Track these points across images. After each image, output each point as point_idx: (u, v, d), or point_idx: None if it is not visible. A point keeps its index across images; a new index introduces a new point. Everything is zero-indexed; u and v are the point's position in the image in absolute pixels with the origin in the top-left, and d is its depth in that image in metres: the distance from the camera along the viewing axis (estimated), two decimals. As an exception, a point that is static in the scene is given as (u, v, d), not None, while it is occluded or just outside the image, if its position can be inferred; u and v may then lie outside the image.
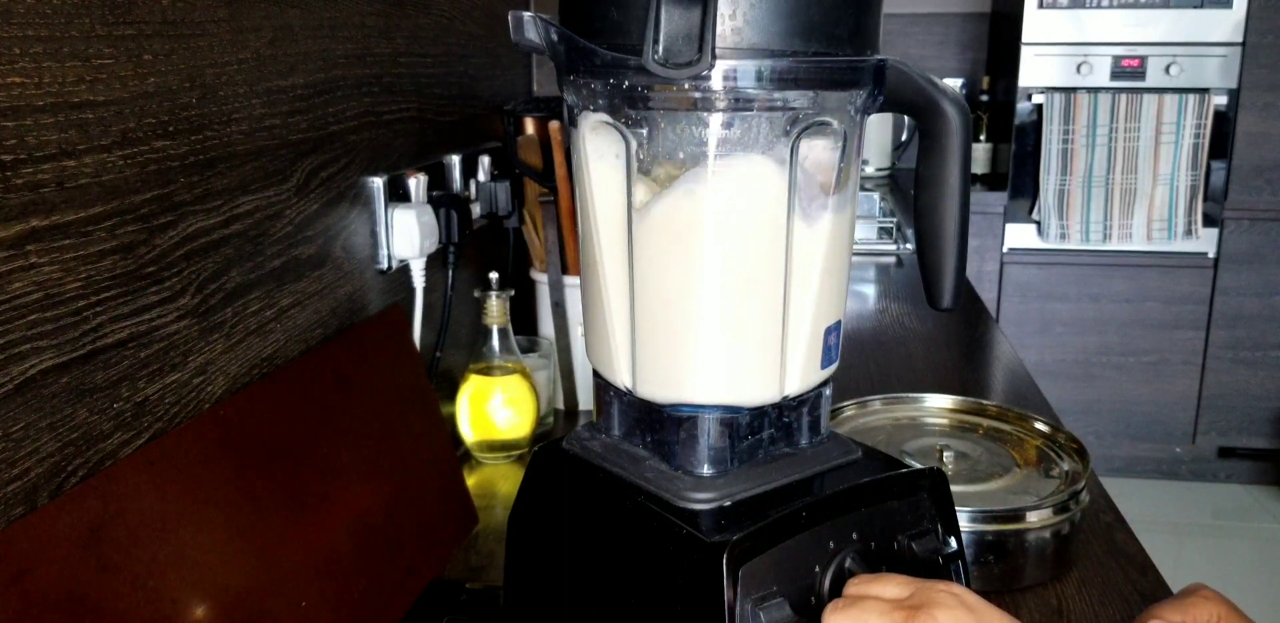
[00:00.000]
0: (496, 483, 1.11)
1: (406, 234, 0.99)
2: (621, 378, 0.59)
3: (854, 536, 0.57)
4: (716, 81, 0.51)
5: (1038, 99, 2.79)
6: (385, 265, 1.00)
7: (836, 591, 0.55)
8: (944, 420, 1.05)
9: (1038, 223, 2.83)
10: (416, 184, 1.04)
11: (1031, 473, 0.93)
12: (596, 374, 0.62)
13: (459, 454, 1.12)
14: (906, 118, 0.59)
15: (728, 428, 0.57)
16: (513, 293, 1.14)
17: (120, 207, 0.61)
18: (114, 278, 0.60)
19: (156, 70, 0.64)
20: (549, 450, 0.64)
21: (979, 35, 3.27)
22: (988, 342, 1.67)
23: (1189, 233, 2.76)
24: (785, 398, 0.59)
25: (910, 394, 1.08)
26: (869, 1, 0.54)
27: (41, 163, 0.54)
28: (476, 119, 1.30)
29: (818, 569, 0.55)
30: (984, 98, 3.11)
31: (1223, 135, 2.73)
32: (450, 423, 1.15)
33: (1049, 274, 2.87)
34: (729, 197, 0.53)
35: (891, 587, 0.53)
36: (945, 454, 0.95)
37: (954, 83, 3.18)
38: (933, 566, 0.59)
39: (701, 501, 0.56)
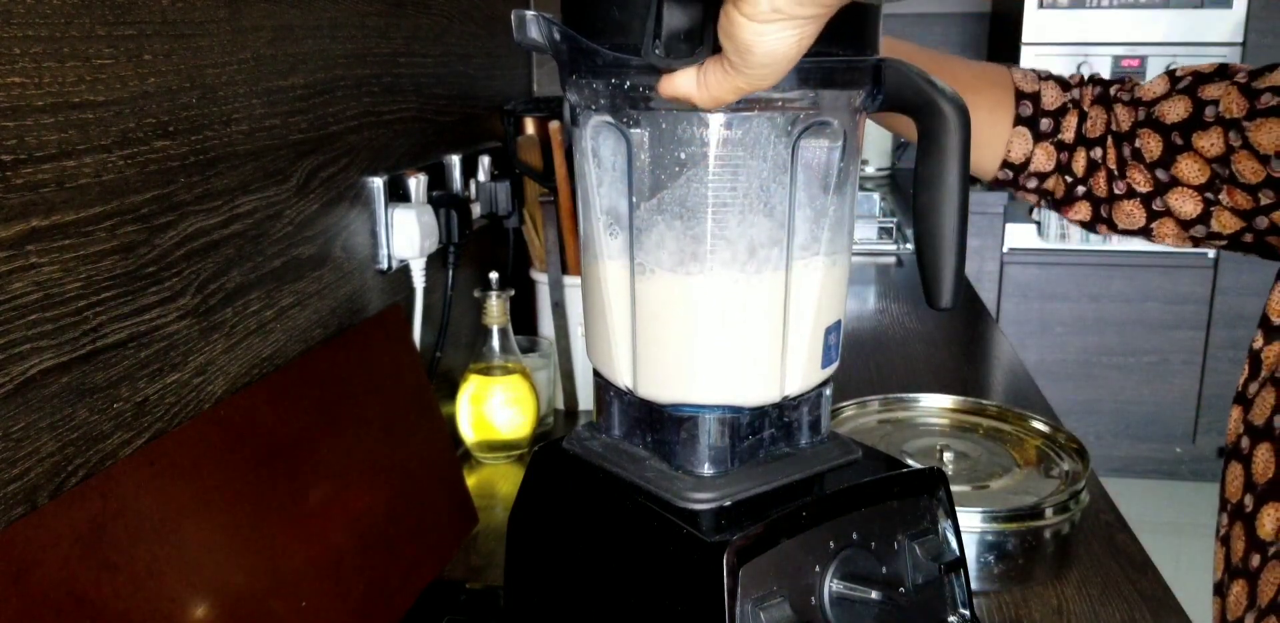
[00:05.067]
0: (496, 483, 1.11)
1: (406, 234, 0.99)
2: (622, 378, 0.59)
3: (854, 536, 0.57)
4: (717, 81, 0.51)
5: (1038, 99, 2.79)
6: (385, 265, 1.00)
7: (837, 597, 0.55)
8: (944, 420, 1.05)
9: (1038, 223, 2.83)
10: (416, 184, 1.04)
11: (1031, 473, 0.93)
12: (597, 374, 0.62)
13: (459, 454, 1.12)
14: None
15: (728, 428, 0.57)
16: (513, 293, 1.14)
17: (120, 207, 0.61)
18: (114, 278, 0.60)
19: (156, 70, 0.64)
20: (549, 450, 0.64)
21: (979, 35, 3.27)
22: (988, 342, 1.67)
23: (1189, 233, 2.76)
24: (785, 398, 0.59)
25: (910, 394, 1.09)
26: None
27: (41, 163, 0.54)
28: (476, 119, 1.30)
29: (818, 569, 0.55)
30: (984, 98, 3.11)
31: (1223, 135, 2.73)
32: (450, 423, 1.15)
33: (1049, 274, 2.88)
34: (729, 196, 0.54)
35: None
36: (945, 454, 0.95)
37: (954, 83, 3.18)
38: (933, 566, 0.60)
39: (701, 501, 0.56)
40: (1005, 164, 0.87)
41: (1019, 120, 0.86)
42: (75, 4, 0.56)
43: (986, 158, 0.88)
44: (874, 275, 2.08)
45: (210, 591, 0.62)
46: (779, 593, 0.53)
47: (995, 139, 0.87)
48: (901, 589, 0.58)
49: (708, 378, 0.57)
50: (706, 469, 0.57)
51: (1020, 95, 0.86)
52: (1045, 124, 0.86)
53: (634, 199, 0.55)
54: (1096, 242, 2.78)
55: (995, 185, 0.91)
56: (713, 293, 0.55)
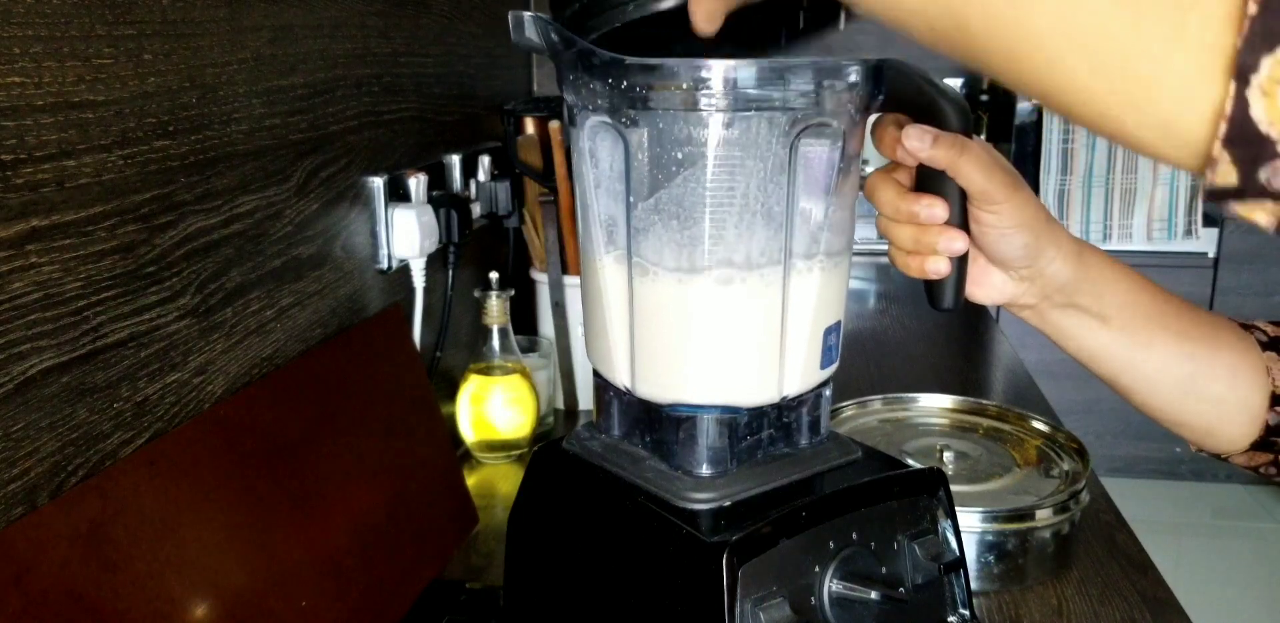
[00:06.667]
0: (496, 483, 1.11)
1: (406, 234, 0.99)
2: (621, 378, 0.59)
3: (854, 536, 0.57)
4: (716, 82, 0.51)
5: (1038, 99, 2.79)
6: (385, 265, 1.00)
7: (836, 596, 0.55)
8: (944, 420, 1.05)
9: (1038, 223, 2.83)
10: (416, 184, 1.04)
11: (1031, 473, 0.93)
12: (596, 374, 0.62)
13: (459, 454, 1.12)
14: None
15: (727, 428, 0.57)
16: (513, 293, 1.14)
17: (120, 206, 0.61)
18: (114, 278, 0.60)
19: (156, 70, 0.64)
20: (549, 450, 0.64)
21: (979, 35, 3.26)
22: (988, 342, 1.67)
23: (1189, 233, 2.76)
24: (784, 398, 0.59)
25: (910, 394, 1.08)
26: (869, 1, 0.54)
27: (41, 163, 0.54)
28: (476, 119, 1.30)
29: (818, 569, 0.55)
30: (984, 98, 3.11)
31: (1223, 135, 2.73)
32: (450, 423, 1.15)
33: (1049, 274, 2.87)
34: (726, 197, 0.53)
35: None
36: (945, 454, 0.95)
37: (954, 83, 3.18)
38: (933, 566, 0.59)
39: (701, 501, 0.56)
40: (1275, 398, 0.67)
41: (1266, 345, 0.68)
42: (75, 4, 0.56)
43: (1233, 420, 0.67)
44: (874, 275, 2.08)
45: (210, 591, 0.62)
46: (779, 593, 0.53)
47: (1250, 384, 0.66)
48: (901, 589, 0.58)
49: (706, 378, 0.57)
50: (706, 469, 0.57)
51: (1243, 326, 0.70)
52: None
53: (632, 200, 0.55)
54: (1095, 239, 2.78)
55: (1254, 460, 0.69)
56: (711, 293, 0.55)
